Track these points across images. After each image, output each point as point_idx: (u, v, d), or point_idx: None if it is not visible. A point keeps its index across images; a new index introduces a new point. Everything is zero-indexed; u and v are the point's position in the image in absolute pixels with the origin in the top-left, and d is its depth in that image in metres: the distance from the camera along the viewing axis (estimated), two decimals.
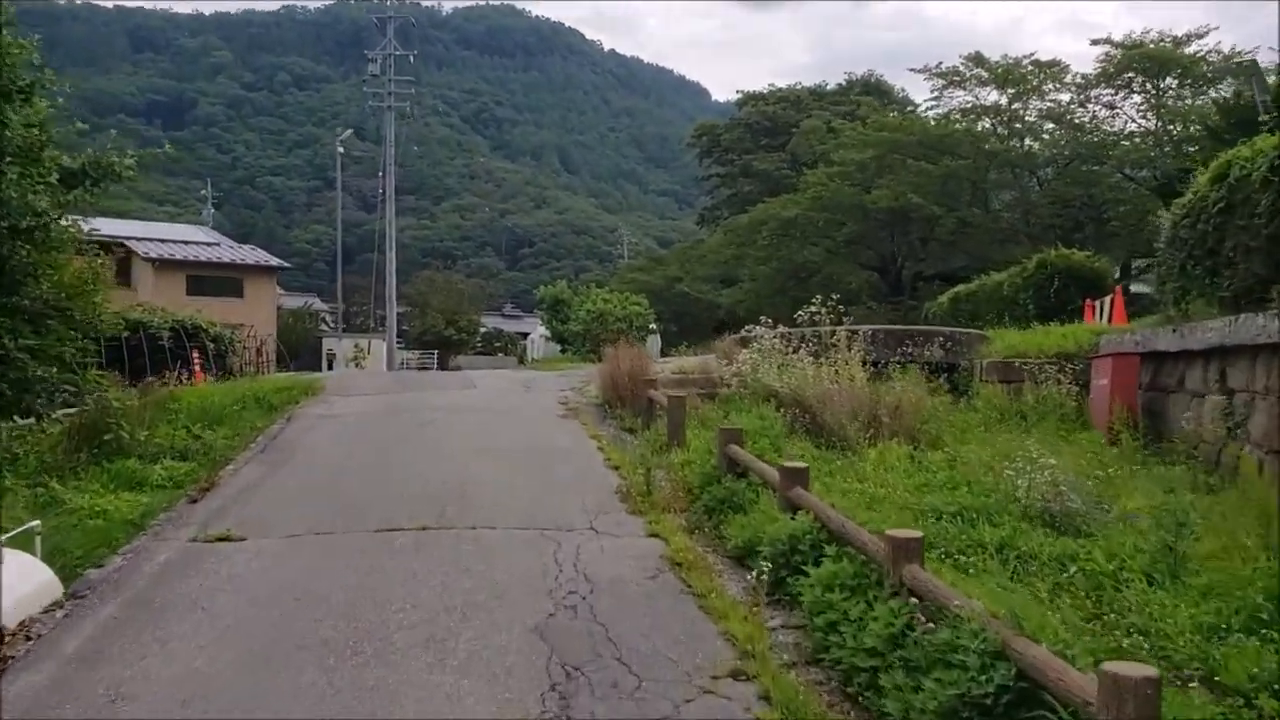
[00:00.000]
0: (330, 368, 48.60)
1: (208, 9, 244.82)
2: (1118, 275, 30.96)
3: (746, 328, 17.60)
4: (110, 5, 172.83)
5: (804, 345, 15.65)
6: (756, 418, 13.39)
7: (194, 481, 10.87)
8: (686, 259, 68.71)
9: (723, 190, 71.92)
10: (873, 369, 15.53)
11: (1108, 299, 19.93)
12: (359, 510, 9.33)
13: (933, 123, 40.82)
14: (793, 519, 7.18)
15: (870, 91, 64.52)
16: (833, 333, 16.03)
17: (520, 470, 11.09)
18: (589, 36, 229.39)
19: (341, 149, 33.06)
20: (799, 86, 68.12)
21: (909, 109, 54.53)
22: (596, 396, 16.67)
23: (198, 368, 23.60)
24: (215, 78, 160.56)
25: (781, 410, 13.90)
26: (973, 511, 8.38)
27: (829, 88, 66.94)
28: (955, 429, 13.42)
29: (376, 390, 18.65)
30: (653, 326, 33.40)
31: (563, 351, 36.24)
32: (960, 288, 32.19)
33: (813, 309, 16.07)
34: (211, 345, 32.15)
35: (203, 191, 77.96)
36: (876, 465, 11.13)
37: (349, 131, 33.78)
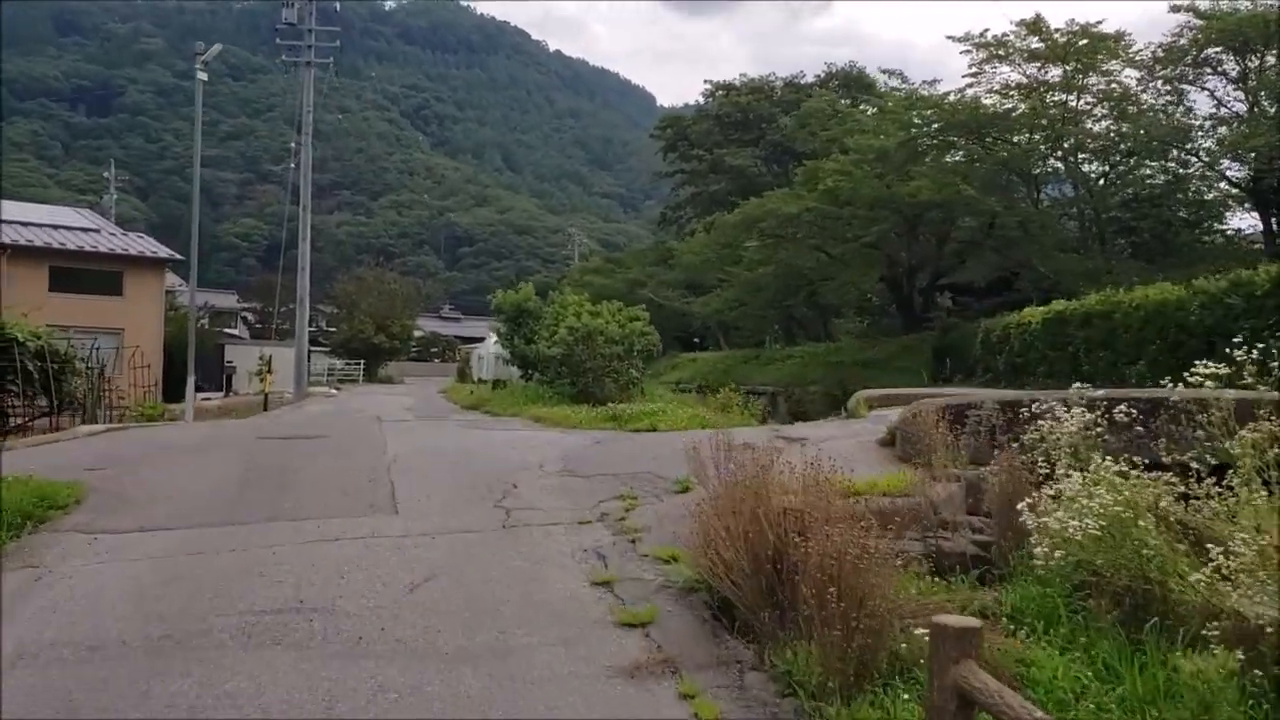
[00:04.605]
0: (229, 386, 37.83)
1: None
2: None
3: (1036, 402, 7.58)
4: None
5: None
6: None
7: None
8: (647, 261, 59.25)
9: (686, 189, 62.50)
10: None
11: None
12: None
13: (983, 100, 31.50)
14: None
15: (850, 84, 55.62)
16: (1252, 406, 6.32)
17: None
18: (534, 37, 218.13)
19: (204, 75, 22.59)
20: (773, 77, 58.90)
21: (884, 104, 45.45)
22: (674, 561, 6.76)
23: None
24: (145, 64, 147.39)
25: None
26: None
27: (806, 80, 57.81)
28: None
29: (183, 514, 8.40)
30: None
31: (525, 378, 26.14)
32: (1059, 304, 22.93)
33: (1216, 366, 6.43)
34: (35, 365, 21.45)
35: (106, 174, 65.88)
36: None
37: (217, 48, 23.65)
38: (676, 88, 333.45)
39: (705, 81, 61.33)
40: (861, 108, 47.32)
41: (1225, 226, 31.88)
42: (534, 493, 8.96)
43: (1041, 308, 23.44)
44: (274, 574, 6.59)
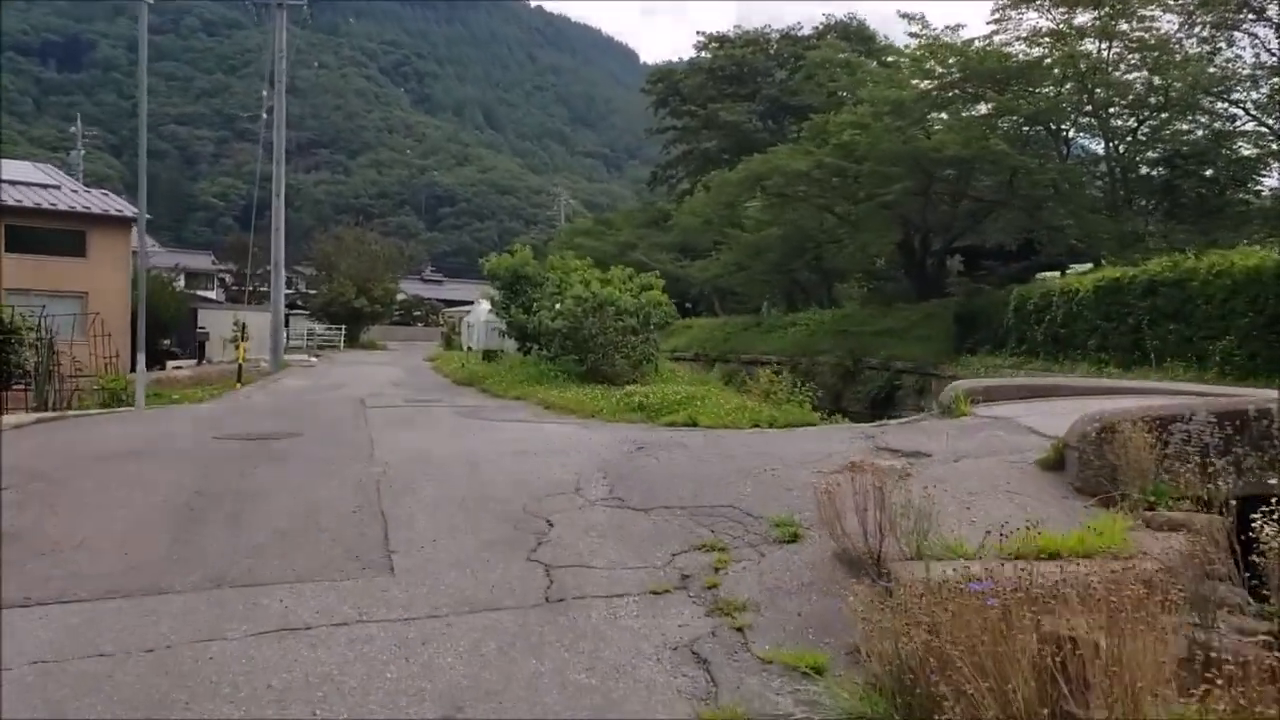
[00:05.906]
0: (202, 353, 35.16)
1: None
2: None
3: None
4: None
5: None
6: None
7: None
8: (637, 223, 56.65)
9: (678, 146, 59.66)
10: None
11: None
12: None
13: (1013, 48, 28.91)
14: None
15: (850, 37, 52.82)
16: None
17: None
18: None
19: None
20: (768, 29, 55.98)
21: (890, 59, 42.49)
22: (816, 674, 4.40)
23: None
24: (116, 19, 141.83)
25: None
26: None
27: (804, 31, 54.93)
28: None
29: (94, 571, 5.90)
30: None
31: (522, 350, 23.67)
32: (1113, 270, 20.63)
33: None
34: None
35: (73, 129, 62.32)
36: None
37: None
38: (660, 44, 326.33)
39: (698, 33, 58.37)
40: (862, 59, 44.63)
41: (1261, 186, 29.73)
42: (578, 536, 6.52)
43: (1091, 274, 21.17)
44: (207, 709, 4.16)
